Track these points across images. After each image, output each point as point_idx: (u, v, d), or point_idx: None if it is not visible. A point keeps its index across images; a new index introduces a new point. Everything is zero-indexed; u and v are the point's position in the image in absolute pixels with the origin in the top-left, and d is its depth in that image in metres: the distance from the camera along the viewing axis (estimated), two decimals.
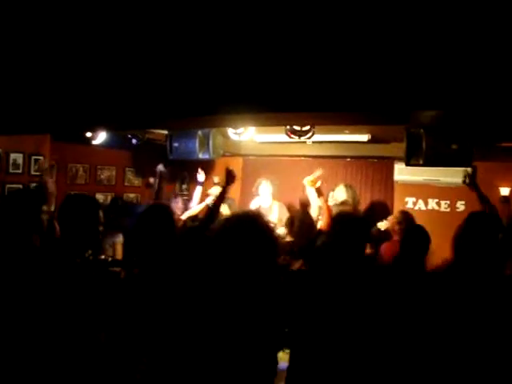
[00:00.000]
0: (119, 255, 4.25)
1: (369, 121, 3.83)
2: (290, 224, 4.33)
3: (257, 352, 2.01)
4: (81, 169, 7.03)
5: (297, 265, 3.33)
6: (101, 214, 2.62)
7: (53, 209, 4.00)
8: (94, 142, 5.76)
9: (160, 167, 4.99)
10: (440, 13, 2.32)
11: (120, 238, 3.93)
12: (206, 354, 2.02)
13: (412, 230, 3.48)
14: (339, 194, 5.37)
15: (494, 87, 2.41)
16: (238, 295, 1.99)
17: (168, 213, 2.65)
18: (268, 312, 2.00)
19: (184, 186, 7.82)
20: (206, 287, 2.09)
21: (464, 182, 3.98)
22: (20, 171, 5.66)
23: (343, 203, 5.03)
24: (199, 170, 5.56)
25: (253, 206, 5.67)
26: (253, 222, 2.09)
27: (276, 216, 5.40)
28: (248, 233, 2.04)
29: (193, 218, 5.07)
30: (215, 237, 2.12)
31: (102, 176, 7.38)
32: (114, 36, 3.03)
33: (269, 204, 5.65)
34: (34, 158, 5.79)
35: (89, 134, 5.57)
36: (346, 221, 2.80)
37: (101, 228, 2.62)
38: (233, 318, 1.98)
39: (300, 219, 4.22)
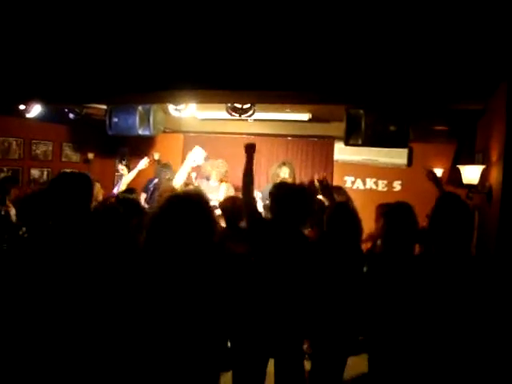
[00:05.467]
0: None
1: (309, 100, 3.87)
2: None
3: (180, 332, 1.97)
4: (14, 143, 6.72)
5: (240, 249, 3.13)
6: None
7: None
8: (28, 115, 5.51)
9: (124, 149, 5.04)
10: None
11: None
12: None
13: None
14: (278, 171, 5.43)
15: (430, 71, 2.49)
16: (171, 274, 1.97)
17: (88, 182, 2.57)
18: (202, 292, 1.98)
19: (123, 162, 7.65)
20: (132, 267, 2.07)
21: (428, 177, 4.22)
22: None
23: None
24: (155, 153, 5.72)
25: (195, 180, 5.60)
26: (191, 201, 2.06)
27: (222, 196, 5.27)
28: (185, 211, 2.02)
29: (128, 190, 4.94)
30: (154, 214, 2.09)
31: (37, 151, 7.10)
32: (54, 5, 2.91)
33: (216, 184, 5.57)
34: None
35: (22, 107, 5.33)
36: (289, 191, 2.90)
37: None
38: (163, 298, 1.96)
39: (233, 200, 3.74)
